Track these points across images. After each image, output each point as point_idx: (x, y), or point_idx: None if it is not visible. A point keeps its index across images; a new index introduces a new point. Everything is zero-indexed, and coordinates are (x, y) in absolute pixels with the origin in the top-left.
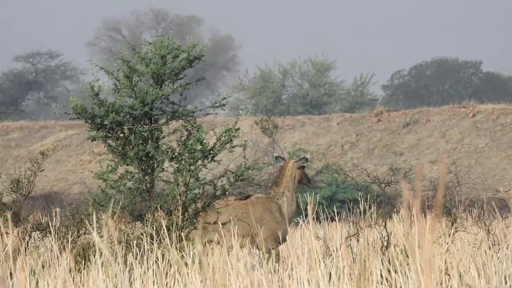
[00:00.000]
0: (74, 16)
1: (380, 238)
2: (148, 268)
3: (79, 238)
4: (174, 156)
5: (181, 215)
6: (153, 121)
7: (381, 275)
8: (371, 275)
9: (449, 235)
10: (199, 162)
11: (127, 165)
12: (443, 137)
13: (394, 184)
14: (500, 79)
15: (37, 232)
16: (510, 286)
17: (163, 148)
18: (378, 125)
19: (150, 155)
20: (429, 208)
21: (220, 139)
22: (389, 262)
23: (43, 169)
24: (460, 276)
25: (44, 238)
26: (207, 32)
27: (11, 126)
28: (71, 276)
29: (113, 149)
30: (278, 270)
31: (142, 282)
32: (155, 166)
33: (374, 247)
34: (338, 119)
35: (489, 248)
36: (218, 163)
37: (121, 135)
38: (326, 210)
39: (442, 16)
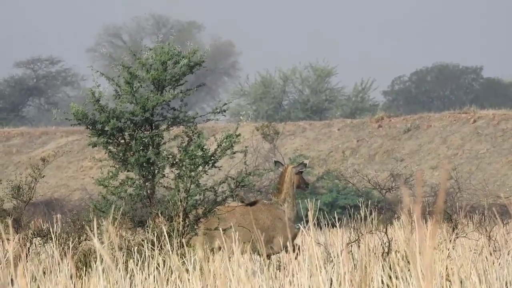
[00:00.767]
0: (75, 22)
1: (381, 244)
2: (149, 274)
3: (80, 245)
4: (175, 162)
5: (182, 221)
6: (154, 127)
7: (382, 281)
8: (372, 281)
9: (450, 241)
10: (200, 168)
11: (128, 171)
12: (444, 143)
13: (395, 190)
14: (500, 84)
15: (38, 238)
16: None
17: (164, 154)
18: (379, 131)
19: (151, 161)
20: (430, 214)
21: (221, 145)
22: (390, 268)
23: (44, 175)
24: (461, 282)
25: (45, 244)
26: (208, 38)
27: (12, 132)
28: (72, 282)
29: (114, 155)
30: (279, 276)
31: None
32: (156, 172)
33: (375, 253)
34: (339, 125)
35: (490, 254)
36: (219, 169)
37: (122, 141)
38: (327, 216)
39: (442, 21)
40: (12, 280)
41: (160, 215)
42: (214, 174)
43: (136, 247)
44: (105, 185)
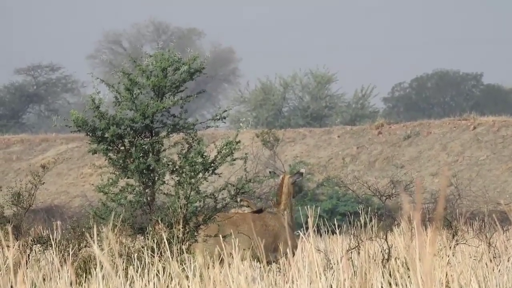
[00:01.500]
0: (75, 29)
1: (381, 251)
2: (149, 281)
3: (80, 251)
4: (175, 169)
5: (182, 228)
6: (154, 134)
7: (382, 287)
8: None
9: (450, 247)
10: (200, 175)
11: (128, 178)
12: (444, 150)
13: (395, 197)
14: (501, 91)
15: (38, 245)
16: None
17: (164, 161)
18: (379, 137)
19: (151, 168)
20: (430, 220)
21: (221, 152)
22: (390, 275)
23: (44, 182)
24: None
25: (45, 251)
26: (208, 45)
27: (12, 139)
28: None
29: (114, 162)
30: (279, 283)
31: None
32: (156, 179)
33: (375, 260)
34: (339, 132)
35: (490, 261)
36: (219, 176)
37: (122, 148)
38: (327, 223)
39: (443, 28)
40: (12, 287)
41: (160, 221)
42: (214, 181)
43: (136, 254)
44: (105, 192)
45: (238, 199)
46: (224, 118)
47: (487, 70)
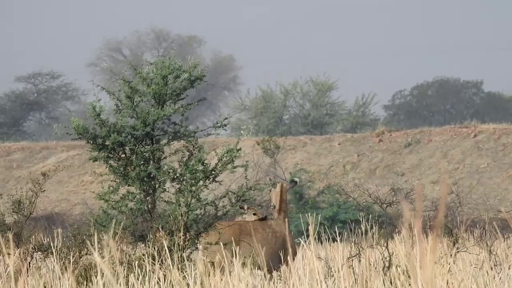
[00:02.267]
0: (75, 37)
1: (382, 259)
2: None
3: (80, 259)
4: (175, 176)
5: (182, 235)
6: (154, 142)
7: None
8: None
9: (451, 255)
10: (201, 182)
11: (129, 185)
12: (445, 157)
13: (395, 205)
14: (501, 99)
15: (38, 253)
16: None
17: (165, 168)
18: (379, 145)
19: (151, 175)
20: (431, 228)
21: (221, 160)
22: (391, 282)
23: (44, 190)
24: None
25: (45, 258)
26: (209, 52)
27: (13, 147)
28: None
29: (114, 170)
30: None
31: None
32: (156, 187)
33: (375, 268)
34: (340, 139)
35: (491, 269)
36: (220, 184)
37: (123, 155)
38: (327, 230)
39: (443, 36)
40: None
41: (161, 229)
42: (215, 188)
43: (137, 262)
44: (106, 200)
45: (245, 207)
46: (225, 125)
47: (488, 78)
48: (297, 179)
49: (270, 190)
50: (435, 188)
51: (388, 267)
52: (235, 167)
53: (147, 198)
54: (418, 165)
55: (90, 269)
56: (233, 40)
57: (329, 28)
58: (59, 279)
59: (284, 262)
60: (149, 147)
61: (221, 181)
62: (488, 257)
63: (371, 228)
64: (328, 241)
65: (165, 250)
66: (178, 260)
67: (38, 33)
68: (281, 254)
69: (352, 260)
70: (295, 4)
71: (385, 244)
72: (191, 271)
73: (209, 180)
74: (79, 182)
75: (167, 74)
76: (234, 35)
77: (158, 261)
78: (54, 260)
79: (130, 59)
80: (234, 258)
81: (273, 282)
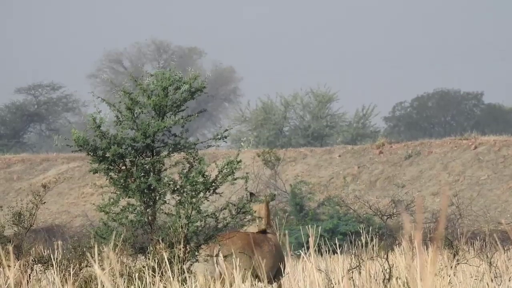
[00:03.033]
0: (76, 48)
1: (382, 271)
2: None
3: (81, 271)
4: (176, 188)
5: (183, 247)
6: (155, 153)
7: None
8: None
9: (451, 267)
10: (201, 194)
11: (129, 197)
12: (445, 169)
13: (396, 216)
14: (502, 110)
15: (39, 265)
16: None
17: (165, 180)
18: (380, 157)
19: (152, 187)
20: (431, 240)
21: (222, 172)
22: None
23: (45, 202)
24: None
25: (46, 271)
26: (209, 64)
27: (13, 159)
28: None
29: (115, 182)
30: None
31: None
32: (157, 199)
33: (376, 280)
34: (340, 151)
35: (491, 281)
36: (220, 196)
37: (123, 167)
38: (328, 242)
39: (443, 47)
40: None
41: (161, 241)
42: (215, 200)
43: (137, 274)
44: (106, 212)
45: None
46: (225, 137)
47: (488, 90)
48: (274, 193)
49: (255, 203)
50: (436, 200)
51: (389, 279)
52: (235, 179)
53: (148, 210)
54: (418, 177)
55: (90, 281)
56: (234, 52)
57: (330, 40)
58: None
59: (282, 275)
60: (149, 159)
61: (222, 193)
62: (488, 269)
63: (372, 240)
64: (329, 253)
65: (165, 262)
66: (179, 272)
67: (38, 44)
68: (281, 266)
69: (353, 272)
70: (297, 17)
71: (386, 256)
72: (192, 283)
73: (209, 192)
74: (80, 194)
75: (167, 86)
76: (234, 47)
77: (159, 273)
78: (54, 272)
79: (130, 70)
80: (235, 270)
81: None
